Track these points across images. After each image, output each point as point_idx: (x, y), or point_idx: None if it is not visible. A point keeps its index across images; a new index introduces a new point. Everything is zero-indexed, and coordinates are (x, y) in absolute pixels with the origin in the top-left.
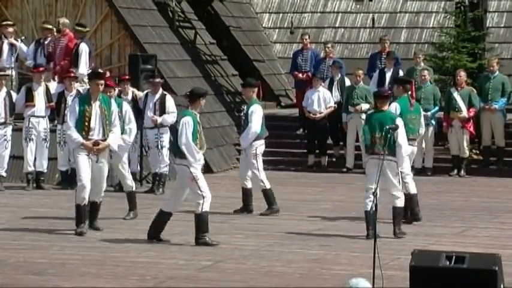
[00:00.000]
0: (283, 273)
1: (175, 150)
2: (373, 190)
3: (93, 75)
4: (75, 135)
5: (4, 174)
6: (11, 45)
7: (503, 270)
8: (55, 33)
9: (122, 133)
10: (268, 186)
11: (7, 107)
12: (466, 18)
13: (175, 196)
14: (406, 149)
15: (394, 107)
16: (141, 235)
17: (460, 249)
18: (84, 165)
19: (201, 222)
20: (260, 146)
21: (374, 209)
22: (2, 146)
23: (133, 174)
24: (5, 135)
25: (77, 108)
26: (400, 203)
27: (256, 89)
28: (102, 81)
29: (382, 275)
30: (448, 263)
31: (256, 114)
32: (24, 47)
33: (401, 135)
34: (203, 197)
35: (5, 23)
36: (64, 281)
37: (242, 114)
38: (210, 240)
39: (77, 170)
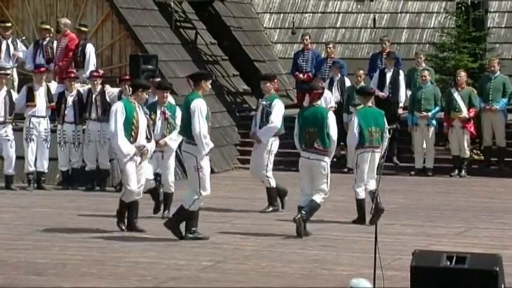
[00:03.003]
0: (284, 273)
1: (323, 145)
2: (375, 189)
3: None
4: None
5: (13, 173)
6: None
7: (504, 270)
8: (51, 34)
9: None
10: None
11: (7, 106)
12: (467, 18)
13: (310, 190)
14: None
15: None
16: (142, 235)
17: (461, 249)
18: None
19: (313, 209)
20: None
21: (375, 208)
22: (7, 145)
23: None
24: (6, 136)
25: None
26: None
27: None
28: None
29: (383, 275)
30: (449, 263)
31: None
32: (21, 54)
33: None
34: (326, 193)
35: (2, 25)
36: (65, 281)
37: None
38: (304, 228)
39: (203, 179)
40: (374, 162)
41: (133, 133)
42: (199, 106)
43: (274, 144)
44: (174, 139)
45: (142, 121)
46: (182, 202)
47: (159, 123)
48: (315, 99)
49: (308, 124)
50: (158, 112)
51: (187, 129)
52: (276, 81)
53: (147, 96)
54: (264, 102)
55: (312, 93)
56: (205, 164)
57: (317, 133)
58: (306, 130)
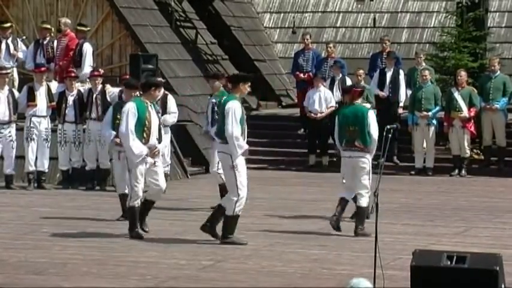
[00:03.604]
0: (284, 273)
1: (364, 143)
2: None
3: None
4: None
5: (13, 172)
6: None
7: (504, 270)
8: (52, 34)
9: None
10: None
11: (11, 105)
12: (467, 18)
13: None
14: None
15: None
16: (142, 234)
17: (461, 249)
18: None
19: (363, 216)
20: None
21: (375, 208)
22: (9, 145)
23: None
24: (10, 135)
25: None
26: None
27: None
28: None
29: (383, 275)
30: (449, 262)
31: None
32: (21, 55)
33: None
34: (368, 190)
35: (1, 25)
36: (65, 280)
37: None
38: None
39: (239, 177)
40: None
41: (145, 134)
42: (234, 108)
43: None
44: None
45: (155, 121)
46: (225, 211)
47: None
48: (355, 98)
49: (348, 122)
50: None
51: (221, 131)
52: (224, 79)
53: (159, 94)
54: (214, 100)
55: (352, 91)
56: (241, 162)
57: (357, 132)
58: (346, 128)
